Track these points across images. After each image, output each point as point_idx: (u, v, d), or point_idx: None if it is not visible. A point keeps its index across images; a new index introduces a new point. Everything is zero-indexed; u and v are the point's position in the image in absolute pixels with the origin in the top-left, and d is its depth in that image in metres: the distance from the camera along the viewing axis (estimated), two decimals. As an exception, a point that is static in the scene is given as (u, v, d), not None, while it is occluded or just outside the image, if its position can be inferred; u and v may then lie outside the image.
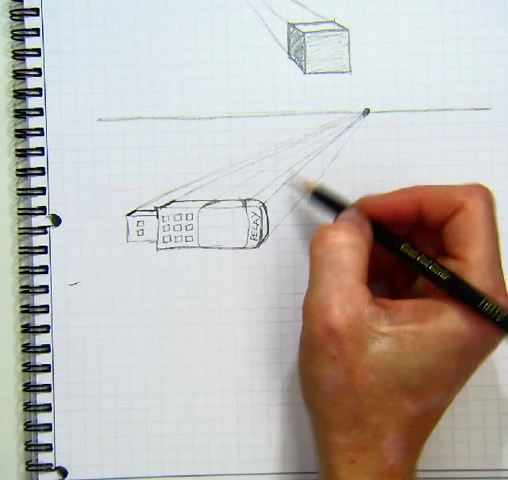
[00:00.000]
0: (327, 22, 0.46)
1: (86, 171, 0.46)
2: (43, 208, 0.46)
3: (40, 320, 0.46)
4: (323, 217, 0.45)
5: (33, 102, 0.46)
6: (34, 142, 0.46)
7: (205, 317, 0.46)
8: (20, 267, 0.46)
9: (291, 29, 0.46)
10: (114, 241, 0.46)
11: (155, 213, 0.46)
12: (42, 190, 0.46)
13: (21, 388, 0.46)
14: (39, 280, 0.46)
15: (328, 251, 0.38)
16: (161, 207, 0.46)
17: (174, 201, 0.46)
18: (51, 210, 0.46)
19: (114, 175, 0.46)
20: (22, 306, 0.46)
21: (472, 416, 0.46)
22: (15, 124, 0.47)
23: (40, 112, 0.46)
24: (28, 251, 0.46)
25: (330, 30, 0.46)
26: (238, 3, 0.46)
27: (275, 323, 0.46)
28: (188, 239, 0.46)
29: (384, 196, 0.41)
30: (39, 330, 0.46)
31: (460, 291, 0.37)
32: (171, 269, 0.46)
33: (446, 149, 0.46)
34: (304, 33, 0.46)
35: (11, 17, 0.46)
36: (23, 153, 0.46)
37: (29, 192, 0.46)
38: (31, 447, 0.46)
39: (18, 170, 0.46)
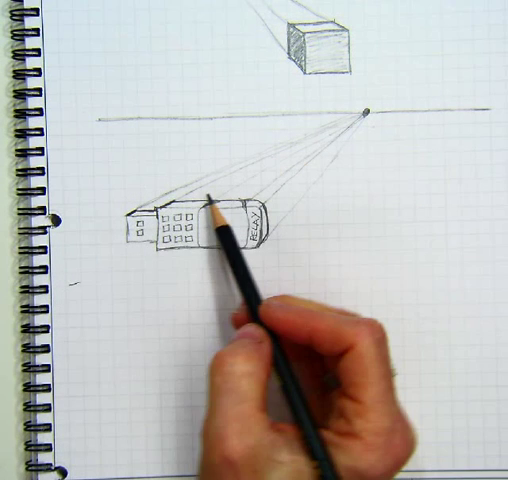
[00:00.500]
0: (327, 22, 0.46)
1: (86, 171, 0.46)
2: (43, 208, 0.46)
3: (40, 320, 0.46)
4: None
5: (33, 102, 0.46)
6: (34, 142, 0.46)
7: (205, 317, 0.46)
8: (20, 267, 0.46)
9: (291, 29, 0.46)
10: (114, 241, 0.46)
11: (155, 213, 0.46)
12: (42, 190, 0.46)
13: (21, 388, 0.46)
14: (39, 280, 0.46)
15: (226, 380, 0.37)
16: (161, 207, 0.46)
17: (174, 201, 0.46)
18: (51, 210, 0.46)
19: (114, 175, 0.46)
20: (22, 306, 0.46)
21: (472, 416, 0.46)
22: (15, 124, 0.47)
23: (40, 112, 0.46)
24: (28, 251, 0.46)
25: (330, 30, 0.46)
26: (238, 3, 0.46)
27: (275, 323, 0.46)
28: (188, 239, 0.46)
29: (285, 309, 0.40)
30: (39, 330, 0.46)
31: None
32: (171, 269, 0.46)
33: (446, 149, 0.46)
34: (304, 33, 0.46)
35: (11, 17, 0.46)
36: (23, 153, 0.46)
37: (29, 192, 0.46)
38: (31, 447, 0.46)
39: (18, 170, 0.46)
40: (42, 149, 0.46)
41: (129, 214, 0.46)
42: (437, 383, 0.46)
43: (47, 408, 0.46)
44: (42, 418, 0.46)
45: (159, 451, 0.46)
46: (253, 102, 0.46)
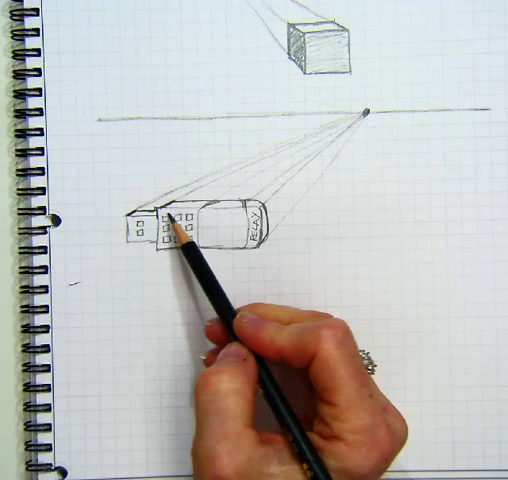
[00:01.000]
0: (327, 22, 0.46)
1: (86, 171, 0.46)
2: (43, 208, 0.46)
3: (40, 320, 0.46)
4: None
5: (33, 102, 0.46)
6: (34, 142, 0.46)
7: (205, 317, 0.46)
8: (20, 267, 0.46)
9: (291, 29, 0.46)
10: (114, 241, 0.46)
11: (155, 213, 0.46)
12: (42, 190, 0.46)
13: (21, 388, 0.46)
14: (39, 280, 0.46)
15: (212, 400, 0.38)
16: (161, 207, 0.46)
17: (174, 201, 0.46)
18: (51, 210, 0.46)
19: (114, 175, 0.46)
20: (22, 306, 0.46)
21: (472, 416, 0.46)
22: (15, 124, 0.47)
23: (40, 112, 0.46)
24: (28, 251, 0.46)
25: (330, 30, 0.46)
26: (238, 3, 0.46)
27: (275, 323, 0.46)
28: (188, 239, 0.46)
29: (257, 326, 0.40)
30: (39, 330, 0.46)
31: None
32: (171, 269, 0.46)
33: (446, 149, 0.46)
34: (304, 33, 0.46)
35: (11, 17, 0.46)
36: (23, 153, 0.46)
37: (29, 192, 0.46)
38: (31, 447, 0.46)
39: (18, 170, 0.46)
40: (42, 149, 0.46)
41: (129, 214, 0.46)
42: (437, 383, 0.46)
43: (47, 408, 0.46)
44: (42, 418, 0.46)
45: (159, 451, 0.46)
46: (253, 102, 0.46)
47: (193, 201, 0.46)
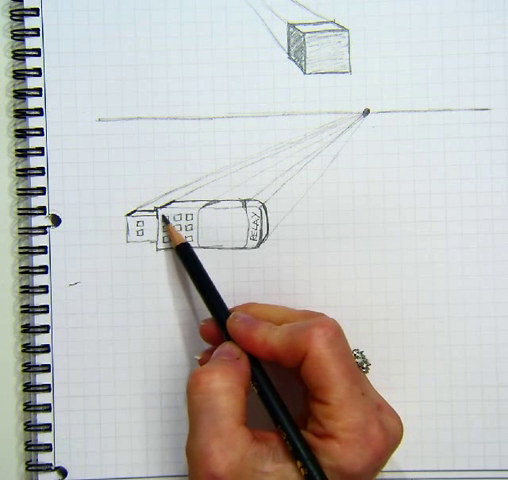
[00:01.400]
0: (327, 22, 0.46)
1: (86, 171, 0.46)
2: (43, 208, 0.46)
3: (40, 320, 0.46)
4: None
5: (33, 102, 0.46)
6: (34, 142, 0.46)
7: (205, 317, 0.46)
8: (20, 267, 0.46)
9: (291, 29, 0.46)
10: (114, 241, 0.46)
11: (155, 213, 0.46)
12: (42, 190, 0.46)
13: (21, 388, 0.46)
14: (39, 280, 0.46)
15: (204, 399, 0.38)
16: (161, 207, 0.46)
17: (174, 201, 0.46)
18: (51, 210, 0.46)
19: (114, 175, 0.46)
20: (22, 306, 0.46)
21: (472, 416, 0.46)
22: (15, 124, 0.47)
23: (40, 112, 0.46)
24: (28, 251, 0.46)
25: (330, 30, 0.46)
26: (238, 3, 0.46)
27: (275, 323, 0.46)
28: (188, 239, 0.46)
29: (249, 326, 0.41)
30: (39, 330, 0.46)
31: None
32: (171, 269, 0.46)
33: (446, 149, 0.46)
34: (304, 33, 0.46)
35: (11, 17, 0.46)
36: (23, 153, 0.46)
37: (29, 192, 0.46)
38: (31, 447, 0.46)
39: (18, 170, 0.46)
40: (42, 149, 0.46)
41: (129, 214, 0.46)
42: (437, 383, 0.46)
43: (47, 408, 0.46)
44: (42, 418, 0.46)
45: (159, 451, 0.46)
46: (253, 102, 0.46)
47: (193, 201, 0.46)
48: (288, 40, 0.46)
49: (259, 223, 0.46)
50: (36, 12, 0.46)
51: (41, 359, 0.46)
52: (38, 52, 0.46)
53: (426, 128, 0.46)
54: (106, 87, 0.46)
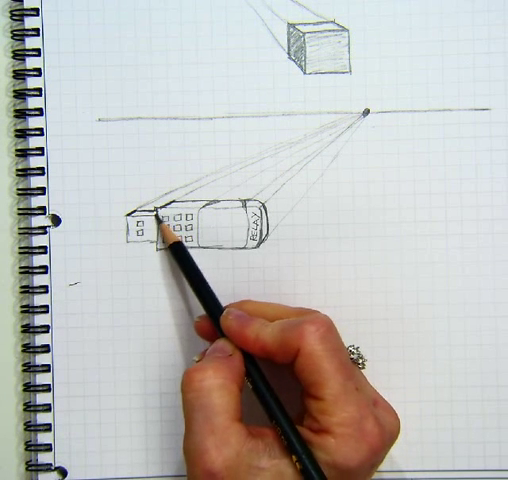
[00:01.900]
0: (327, 22, 0.46)
1: (86, 171, 0.46)
2: (43, 208, 0.46)
3: (40, 320, 0.46)
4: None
5: (33, 102, 0.46)
6: (34, 142, 0.46)
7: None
8: (20, 267, 0.46)
9: (291, 29, 0.46)
10: (114, 241, 0.46)
11: (155, 213, 0.46)
12: (42, 190, 0.46)
13: (21, 388, 0.46)
14: (39, 280, 0.46)
15: (197, 396, 0.38)
16: (161, 207, 0.46)
17: (174, 201, 0.46)
18: (51, 210, 0.46)
19: (114, 175, 0.46)
20: (22, 306, 0.46)
21: (472, 416, 0.46)
22: (15, 124, 0.47)
23: (40, 112, 0.46)
24: (28, 251, 0.46)
25: (330, 30, 0.46)
26: (238, 3, 0.46)
27: (275, 323, 0.46)
28: (188, 239, 0.46)
29: (242, 323, 0.41)
30: (39, 330, 0.46)
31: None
32: (171, 269, 0.46)
33: (446, 149, 0.46)
34: (304, 33, 0.46)
35: (11, 17, 0.46)
36: (23, 153, 0.46)
37: (29, 192, 0.46)
38: (31, 447, 0.46)
39: (18, 170, 0.46)
40: (42, 149, 0.46)
41: (129, 214, 0.46)
42: (437, 383, 0.46)
43: (47, 408, 0.46)
44: (42, 418, 0.46)
45: (159, 451, 0.46)
46: (253, 102, 0.46)
47: (193, 201, 0.46)
48: (288, 40, 0.46)
49: (259, 223, 0.46)
50: (36, 12, 0.46)
51: (41, 359, 0.46)
52: (38, 52, 0.46)
53: (426, 128, 0.46)
54: (106, 87, 0.46)
